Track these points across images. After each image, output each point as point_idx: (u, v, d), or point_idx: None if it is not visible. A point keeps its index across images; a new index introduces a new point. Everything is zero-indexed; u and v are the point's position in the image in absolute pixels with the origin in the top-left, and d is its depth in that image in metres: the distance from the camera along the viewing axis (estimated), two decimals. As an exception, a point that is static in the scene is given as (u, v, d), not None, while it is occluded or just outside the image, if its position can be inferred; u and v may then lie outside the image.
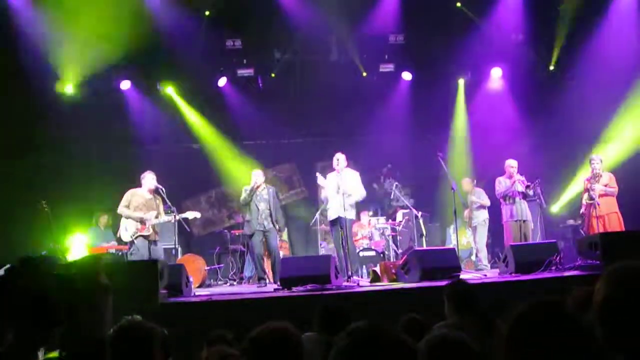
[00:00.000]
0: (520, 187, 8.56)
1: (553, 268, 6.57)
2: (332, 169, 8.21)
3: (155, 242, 7.88)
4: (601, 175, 8.47)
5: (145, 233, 7.74)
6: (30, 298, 1.21)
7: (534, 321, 1.44)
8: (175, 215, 8.01)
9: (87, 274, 1.28)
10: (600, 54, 9.88)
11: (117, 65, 10.41)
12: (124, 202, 7.84)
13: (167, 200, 8.02)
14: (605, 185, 8.42)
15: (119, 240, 8.30)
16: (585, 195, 8.61)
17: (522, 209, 8.58)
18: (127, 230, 7.76)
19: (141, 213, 7.76)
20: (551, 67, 11.03)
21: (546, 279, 6.10)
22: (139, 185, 8.03)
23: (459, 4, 10.37)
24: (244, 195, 8.42)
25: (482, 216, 9.67)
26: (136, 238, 7.72)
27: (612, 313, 1.43)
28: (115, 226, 8.95)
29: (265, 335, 1.75)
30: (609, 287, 1.47)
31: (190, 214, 8.32)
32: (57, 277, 1.26)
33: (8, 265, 1.25)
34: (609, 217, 8.34)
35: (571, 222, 10.63)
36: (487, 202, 9.58)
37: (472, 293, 3.35)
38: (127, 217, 7.77)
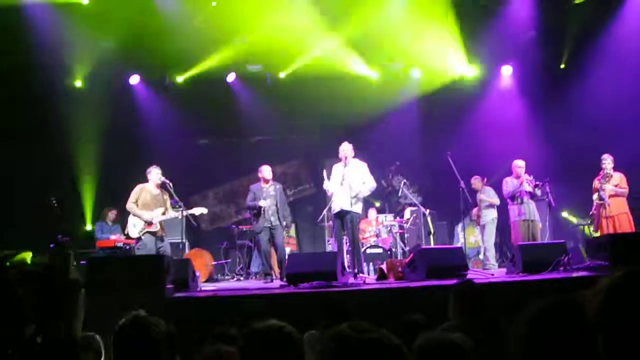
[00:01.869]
0: (528, 187, 8.50)
1: (561, 268, 6.52)
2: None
3: (162, 238, 7.88)
4: (612, 176, 8.39)
5: (152, 229, 7.75)
6: None
7: (554, 319, 1.41)
8: (182, 212, 8.01)
9: (56, 269, 1.26)
10: (612, 51, 9.77)
11: (125, 60, 10.43)
12: (132, 197, 7.83)
13: (175, 196, 8.01)
14: (616, 186, 8.35)
15: (127, 236, 8.31)
16: (595, 195, 8.54)
17: (530, 208, 8.52)
18: (135, 226, 7.77)
19: (149, 212, 7.75)
20: (562, 65, 10.93)
21: (554, 280, 6.05)
22: (146, 180, 8.03)
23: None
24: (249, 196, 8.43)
25: (491, 215, 9.62)
26: (144, 234, 7.73)
27: (611, 321, 1.37)
28: (123, 222, 9.03)
29: (263, 332, 1.73)
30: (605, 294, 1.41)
31: (197, 210, 8.31)
32: (26, 275, 1.24)
33: None
34: (619, 217, 8.27)
35: (581, 222, 10.55)
36: (497, 201, 9.52)
37: (481, 295, 3.30)
38: (134, 216, 7.77)
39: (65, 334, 1.23)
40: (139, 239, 7.74)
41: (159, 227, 7.82)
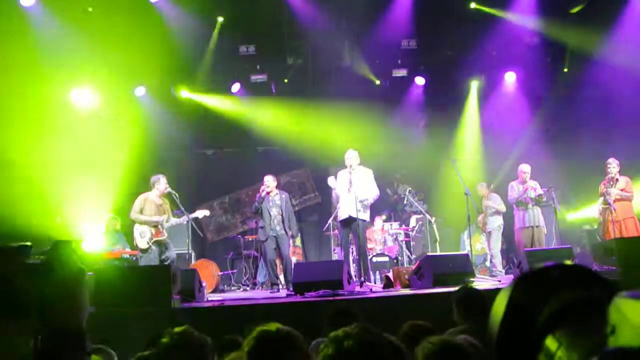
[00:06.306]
0: (532, 194, 8.50)
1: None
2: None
3: (167, 246, 7.88)
4: (617, 180, 8.37)
5: (161, 237, 7.77)
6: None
7: None
8: (187, 216, 8.00)
9: (58, 259, 1.25)
10: (615, 55, 9.76)
11: (132, 72, 10.51)
12: (136, 207, 7.81)
13: (180, 205, 8.02)
14: (622, 190, 8.32)
15: (134, 247, 8.30)
16: (601, 200, 8.52)
17: (535, 214, 8.52)
18: (143, 236, 7.75)
19: (155, 217, 7.77)
20: (565, 70, 10.95)
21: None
22: (150, 188, 8.04)
23: (473, 5, 10.26)
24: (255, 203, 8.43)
25: (497, 222, 9.60)
26: (153, 243, 7.75)
27: None
28: (124, 228, 9.14)
29: (271, 335, 1.74)
30: None
31: (200, 213, 8.30)
32: (27, 266, 1.23)
33: None
34: (626, 222, 8.23)
35: (587, 227, 10.51)
36: (503, 208, 9.51)
37: (481, 299, 3.31)
38: (142, 223, 7.76)
39: (71, 325, 1.22)
40: (147, 249, 7.72)
41: (166, 234, 7.85)
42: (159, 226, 7.77)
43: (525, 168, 8.69)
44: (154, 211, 7.81)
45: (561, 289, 0.90)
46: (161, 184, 7.92)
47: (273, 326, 1.78)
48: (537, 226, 8.51)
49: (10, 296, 1.20)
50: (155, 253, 7.72)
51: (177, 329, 2.46)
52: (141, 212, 7.78)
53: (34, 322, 1.20)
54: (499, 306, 0.94)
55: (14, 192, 9.36)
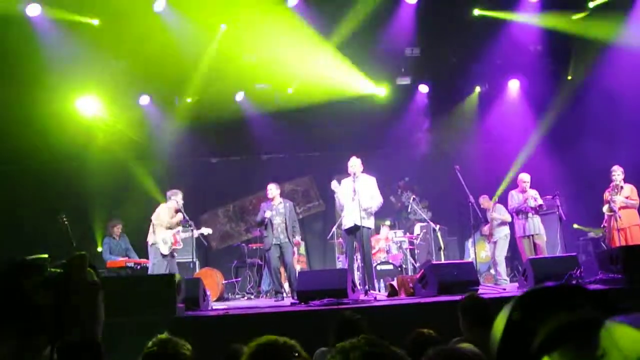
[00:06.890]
0: (532, 203, 8.52)
1: (573, 282, 6.46)
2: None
3: (174, 256, 8.08)
4: (622, 187, 8.35)
5: (178, 247, 7.96)
6: (11, 304, 1.18)
7: None
8: (193, 231, 8.12)
9: (72, 273, 1.24)
10: (619, 62, 9.76)
11: (136, 80, 10.56)
12: (168, 214, 8.04)
13: (186, 216, 8.08)
14: (627, 197, 8.30)
15: (156, 249, 8.32)
16: (606, 207, 8.50)
17: (534, 223, 8.59)
18: (166, 243, 7.89)
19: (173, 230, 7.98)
20: (568, 77, 10.94)
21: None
22: (159, 197, 8.17)
23: (476, 12, 10.25)
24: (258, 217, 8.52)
25: (504, 231, 9.56)
26: (172, 251, 7.95)
27: None
28: (130, 235, 9.22)
29: (269, 347, 1.73)
30: None
31: (205, 230, 8.48)
32: (44, 279, 1.22)
33: None
34: (631, 229, 8.21)
35: (592, 234, 10.47)
36: (509, 218, 9.48)
37: (487, 308, 3.31)
38: (169, 229, 7.91)
39: (87, 337, 1.21)
40: (167, 255, 7.86)
41: (182, 244, 8.04)
42: (177, 236, 7.96)
43: (525, 177, 8.71)
44: (174, 222, 8.04)
45: (560, 309, 0.90)
46: (179, 198, 8.12)
47: (270, 338, 1.77)
48: (537, 234, 8.55)
49: (30, 312, 1.20)
50: (166, 261, 7.88)
51: (158, 337, 2.45)
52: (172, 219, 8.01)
53: (50, 334, 1.20)
54: (499, 325, 0.94)
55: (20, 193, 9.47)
